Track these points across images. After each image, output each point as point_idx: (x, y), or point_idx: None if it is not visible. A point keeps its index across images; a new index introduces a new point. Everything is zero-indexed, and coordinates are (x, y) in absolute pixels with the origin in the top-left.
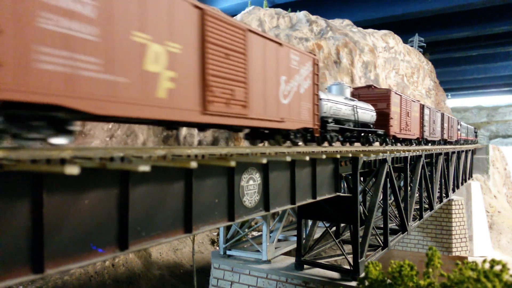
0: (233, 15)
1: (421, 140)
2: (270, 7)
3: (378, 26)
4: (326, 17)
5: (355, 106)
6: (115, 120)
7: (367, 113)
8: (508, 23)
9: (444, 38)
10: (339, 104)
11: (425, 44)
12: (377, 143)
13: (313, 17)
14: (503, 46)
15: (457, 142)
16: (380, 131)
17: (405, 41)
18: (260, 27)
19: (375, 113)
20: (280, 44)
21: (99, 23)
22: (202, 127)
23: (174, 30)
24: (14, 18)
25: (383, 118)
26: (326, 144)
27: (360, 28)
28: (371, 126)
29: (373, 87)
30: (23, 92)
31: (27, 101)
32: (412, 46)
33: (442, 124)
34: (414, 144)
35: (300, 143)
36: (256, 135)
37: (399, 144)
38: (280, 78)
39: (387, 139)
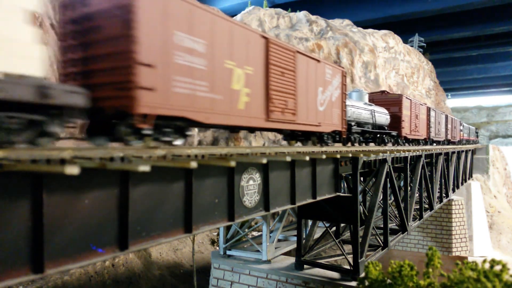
0: (233, 15)
1: (428, 140)
2: (270, 7)
3: (378, 26)
4: (326, 17)
5: (373, 111)
6: (212, 127)
7: (382, 116)
8: (508, 23)
9: (444, 38)
10: (360, 109)
11: (425, 44)
12: (389, 144)
13: (313, 17)
14: (503, 46)
15: (459, 142)
16: (394, 133)
17: (405, 41)
18: (260, 27)
19: (389, 116)
20: (318, 60)
21: (206, 56)
22: (265, 131)
23: (249, 56)
24: (161, 57)
25: (396, 120)
26: (349, 144)
27: (360, 28)
28: (386, 128)
29: (386, 92)
30: (167, 109)
31: (168, 114)
32: (412, 46)
33: (446, 125)
34: (422, 144)
35: (330, 143)
36: (293, 136)
37: (407, 144)
38: (318, 89)
39: (399, 140)
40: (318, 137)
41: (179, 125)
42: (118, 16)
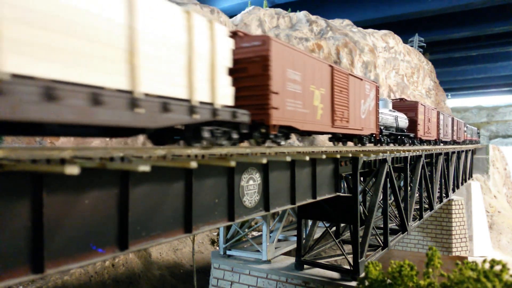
0: (233, 15)
1: (437, 141)
2: (270, 7)
3: (378, 26)
4: (326, 17)
5: (396, 116)
6: (302, 133)
7: (403, 121)
8: (508, 23)
9: (444, 38)
10: (387, 115)
11: (425, 44)
12: (407, 144)
13: (313, 17)
14: (503, 46)
15: (464, 142)
16: (411, 135)
17: (405, 41)
18: (260, 27)
19: (407, 120)
20: (361, 79)
21: (301, 83)
22: (330, 134)
23: (322, 80)
24: (281, 87)
25: (412, 124)
26: (378, 144)
27: (360, 28)
28: (405, 130)
29: (404, 99)
30: (283, 120)
31: (284, 124)
32: (412, 46)
33: (452, 127)
34: (432, 144)
35: (367, 143)
36: (337, 138)
37: (425, 144)
38: (361, 101)
39: (415, 141)
40: (358, 139)
41: (285, 132)
42: (259, 62)
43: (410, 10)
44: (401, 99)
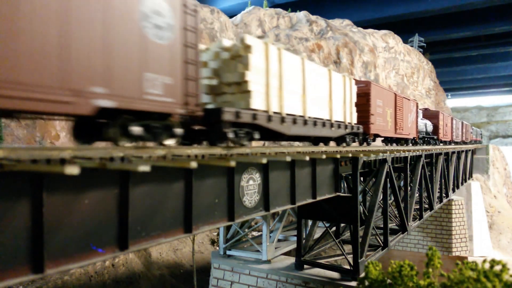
0: (233, 15)
1: (452, 141)
2: (270, 7)
3: (378, 26)
4: (326, 17)
5: (425, 123)
6: (381, 137)
7: (429, 126)
8: (508, 23)
9: (444, 38)
10: (421, 123)
11: (425, 44)
12: (430, 145)
13: (313, 17)
14: (503, 46)
15: (470, 142)
16: (435, 137)
17: (405, 41)
18: (260, 27)
19: (432, 126)
20: (408, 99)
21: (382, 107)
22: (394, 138)
23: (390, 103)
24: (374, 110)
25: (435, 128)
26: (410, 144)
27: (360, 28)
28: (430, 134)
29: (428, 109)
30: (375, 131)
31: (375, 133)
32: (412, 46)
33: (462, 129)
34: (447, 144)
35: (410, 145)
36: (388, 140)
37: (441, 144)
38: (408, 115)
39: (437, 142)
40: (405, 141)
41: (375, 137)
42: (364, 96)
43: (410, 10)
44: (426, 109)
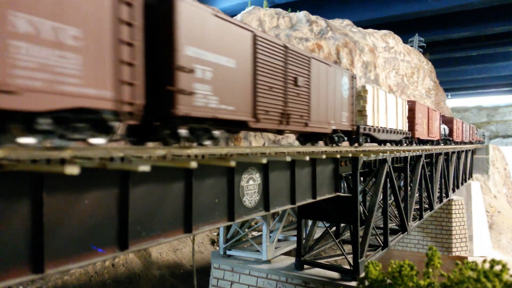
0: (233, 15)
1: (462, 141)
2: (270, 7)
3: (378, 26)
4: (326, 17)
5: (444, 128)
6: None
7: (447, 130)
8: (508, 23)
9: (444, 38)
10: (441, 127)
11: (425, 44)
12: (442, 144)
13: (313, 17)
14: (503, 46)
15: (476, 142)
16: (450, 138)
17: (405, 41)
18: (260, 27)
19: (448, 130)
20: (435, 110)
21: (421, 118)
22: (425, 140)
23: (424, 114)
24: (417, 121)
25: (450, 131)
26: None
27: (360, 28)
28: (447, 136)
29: (444, 116)
30: (419, 135)
31: (417, 137)
32: (412, 46)
33: (469, 131)
34: (458, 143)
35: (434, 145)
36: (423, 142)
37: (452, 144)
38: (435, 122)
39: (452, 142)
40: (431, 142)
41: (418, 140)
42: (410, 111)
43: (410, 10)
44: (443, 116)
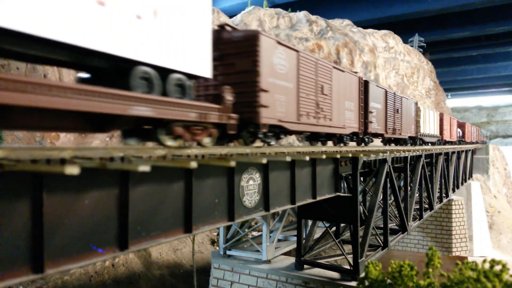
0: (233, 15)
1: (471, 141)
2: (270, 7)
3: (378, 26)
4: (326, 17)
5: (458, 130)
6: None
7: (460, 132)
8: (508, 23)
9: (444, 38)
10: (457, 131)
11: (425, 44)
12: (455, 144)
13: (313, 17)
14: (503, 46)
15: (481, 142)
16: (463, 139)
17: (405, 41)
18: (260, 27)
19: (461, 132)
20: (454, 118)
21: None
22: (448, 141)
23: (448, 121)
24: (445, 128)
25: (463, 133)
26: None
27: (360, 28)
28: (460, 137)
29: (458, 121)
30: (443, 137)
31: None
32: (412, 46)
33: (476, 133)
34: (467, 143)
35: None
36: (446, 142)
37: (460, 143)
38: (454, 127)
39: (464, 142)
40: (451, 143)
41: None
42: (441, 119)
43: (410, 10)
44: (457, 122)
